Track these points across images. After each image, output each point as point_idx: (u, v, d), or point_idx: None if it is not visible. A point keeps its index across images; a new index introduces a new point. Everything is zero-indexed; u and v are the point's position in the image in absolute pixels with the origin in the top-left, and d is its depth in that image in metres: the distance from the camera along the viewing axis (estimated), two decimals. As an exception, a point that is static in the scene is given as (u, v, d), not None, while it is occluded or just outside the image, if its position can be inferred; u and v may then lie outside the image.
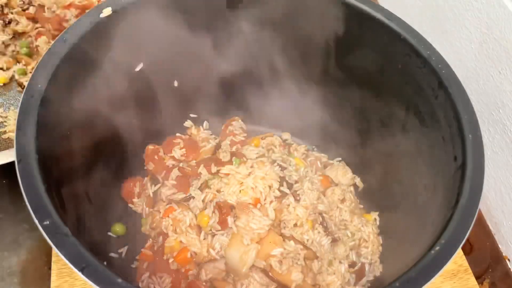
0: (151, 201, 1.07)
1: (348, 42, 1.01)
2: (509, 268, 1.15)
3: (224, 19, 1.03)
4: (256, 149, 1.11)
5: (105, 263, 0.68)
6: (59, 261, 0.96)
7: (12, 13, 1.35)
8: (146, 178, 1.11)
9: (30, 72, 1.32)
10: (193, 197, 1.00)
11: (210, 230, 0.96)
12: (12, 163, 0.72)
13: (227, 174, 1.01)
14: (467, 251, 1.13)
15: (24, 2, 1.35)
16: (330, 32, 1.01)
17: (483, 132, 0.83)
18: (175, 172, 1.07)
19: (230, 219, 0.95)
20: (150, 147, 1.14)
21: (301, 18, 1.02)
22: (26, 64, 1.34)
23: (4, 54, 1.37)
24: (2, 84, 1.33)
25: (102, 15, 0.89)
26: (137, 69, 1.01)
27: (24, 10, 1.36)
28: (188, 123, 1.21)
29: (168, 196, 1.04)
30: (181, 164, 1.09)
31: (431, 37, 0.93)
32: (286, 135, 1.24)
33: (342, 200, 1.08)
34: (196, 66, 1.10)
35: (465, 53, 1.17)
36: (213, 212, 0.96)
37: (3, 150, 1.14)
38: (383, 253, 1.04)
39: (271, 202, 0.97)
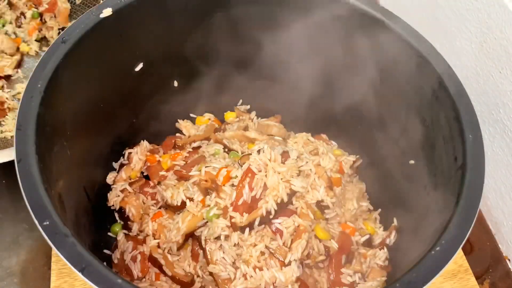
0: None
1: (348, 42, 1.00)
2: (510, 268, 1.14)
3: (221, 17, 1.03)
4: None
5: (104, 263, 0.68)
6: (59, 261, 0.96)
7: None
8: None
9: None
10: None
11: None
12: (12, 163, 0.72)
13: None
14: (468, 251, 1.12)
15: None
16: (330, 31, 1.01)
17: (483, 132, 0.83)
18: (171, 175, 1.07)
19: None
20: (149, 147, 1.14)
21: (304, 22, 1.02)
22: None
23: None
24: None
25: (102, 15, 0.89)
26: (137, 69, 1.01)
27: None
28: (180, 124, 1.19)
29: (162, 198, 1.04)
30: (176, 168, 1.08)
31: (431, 37, 0.93)
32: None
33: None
34: (197, 66, 1.10)
35: (465, 53, 1.17)
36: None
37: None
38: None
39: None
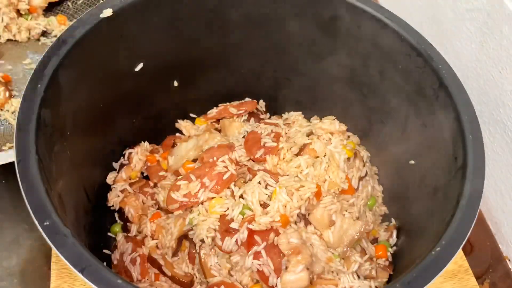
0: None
1: (348, 42, 1.00)
2: (510, 268, 1.14)
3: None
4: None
5: (104, 263, 0.68)
6: (59, 262, 0.96)
7: None
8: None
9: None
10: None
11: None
12: (12, 163, 0.72)
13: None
14: (468, 251, 1.12)
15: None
16: (331, 32, 1.01)
17: (483, 132, 0.83)
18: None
19: None
20: (149, 147, 1.14)
21: (305, 21, 1.02)
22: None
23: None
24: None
25: (102, 15, 0.88)
26: (137, 69, 1.01)
27: None
28: (180, 124, 1.18)
29: (161, 200, 1.03)
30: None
31: (432, 37, 0.93)
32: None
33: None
34: (197, 66, 1.10)
35: (465, 53, 1.17)
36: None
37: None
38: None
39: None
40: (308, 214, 0.95)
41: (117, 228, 1.02)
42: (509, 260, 1.15)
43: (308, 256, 0.87)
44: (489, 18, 1.07)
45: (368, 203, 1.03)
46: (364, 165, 1.05)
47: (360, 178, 1.02)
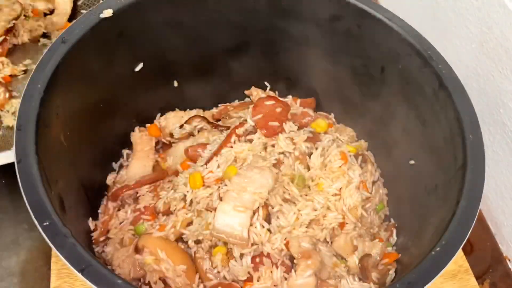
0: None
1: (348, 42, 1.01)
2: (510, 268, 1.14)
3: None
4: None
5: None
6: (59, 262, 0.96)
7: None
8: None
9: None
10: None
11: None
12: (12, 163, 0.72)
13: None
14: (468, 252, 1.12)
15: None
16: (331, 32, 1.01)
17: (483, 132, 0.83)
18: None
19: None
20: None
21: (305, 22, 1.02)
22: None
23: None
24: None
25: (102, 15, 0.89)
26: (137, 69, 1.01)
27: None
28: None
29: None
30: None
31: (432, 37, 0.93)
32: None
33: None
34: (197, 66, 1.10)
35: (465, 53, 1.17)
36: None
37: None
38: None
39: None
40: (331, 242, 0.94)
41: (117, 228, 1.02)
42: (509, 260, 1.15)
43: (317, 261, 0.86)
44: (489, 18, 1.07)
45: (376, 207, 1.02)
46: (375, 170, 1.05)
47: (373, 183, 1.02)
